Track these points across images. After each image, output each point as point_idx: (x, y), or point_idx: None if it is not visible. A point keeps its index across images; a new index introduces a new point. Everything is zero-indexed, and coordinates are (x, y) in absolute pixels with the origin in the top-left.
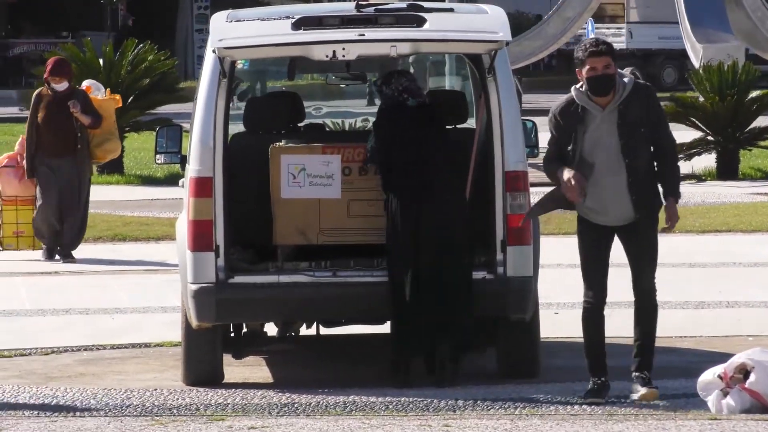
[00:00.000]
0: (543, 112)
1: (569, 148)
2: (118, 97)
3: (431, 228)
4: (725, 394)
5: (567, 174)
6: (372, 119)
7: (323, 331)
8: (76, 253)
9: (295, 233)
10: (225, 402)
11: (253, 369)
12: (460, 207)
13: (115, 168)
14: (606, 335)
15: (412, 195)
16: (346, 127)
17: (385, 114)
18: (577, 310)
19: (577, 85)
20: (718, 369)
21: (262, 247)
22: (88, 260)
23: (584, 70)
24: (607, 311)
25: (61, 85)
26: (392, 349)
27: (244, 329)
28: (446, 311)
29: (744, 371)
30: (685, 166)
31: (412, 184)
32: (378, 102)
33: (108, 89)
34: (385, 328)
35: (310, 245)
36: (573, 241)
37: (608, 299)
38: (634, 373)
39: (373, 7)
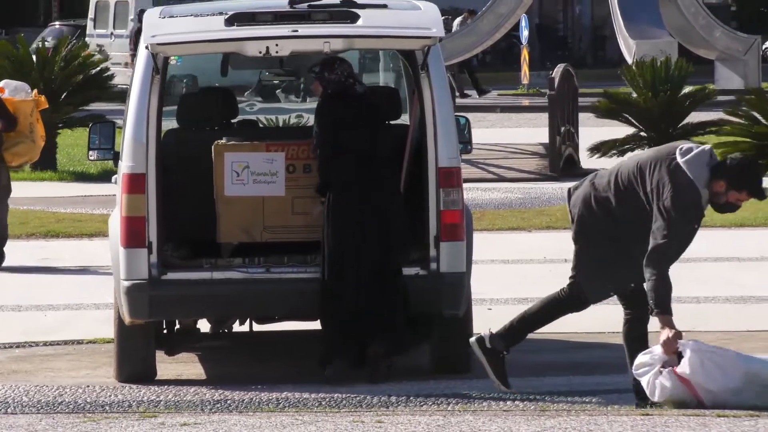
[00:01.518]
0: (476, 108)
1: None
2: (42, 98)
3: (374, 220)
4: (659, 374)
5: (673, 335)
6: (306, 116)
7: (256, 327)
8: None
9: (239, 231)
10: (157, 399)
11: (186, 366)
12: (399, 200)
13: (48, 164)
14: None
15: (356, 185)
16: (280, 124)
17: (332, 99)
18: (510, 306)
19: (701, 182)
20: (655, 349)
21: (197, 243)
22: (21, 257)
23: (731, 194)
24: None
25: None
26: (322, 345)
27: (177, 326)
28: (383, 309)
29: (678, 354)
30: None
31: (359, 173)
32: (311, 99)
33: (35, 90)
34: (319, 324)
35: (254, 242)
36: (505, 237)
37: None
38: None
39: (307, 4)
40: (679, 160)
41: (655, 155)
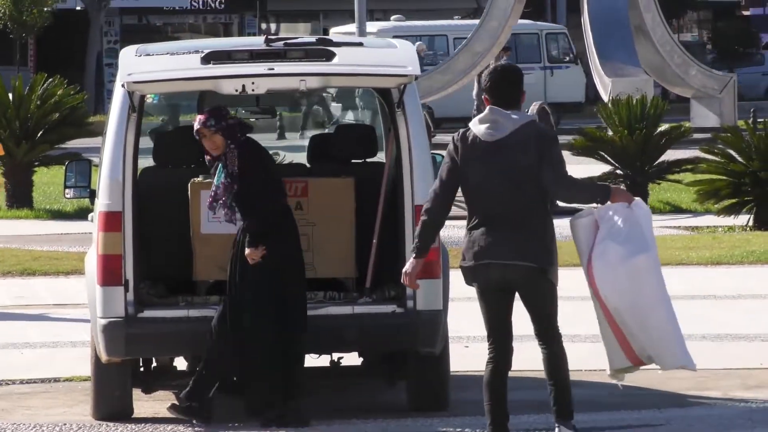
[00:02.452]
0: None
1: None
2: None
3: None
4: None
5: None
6: (282, 153)
7: None
8: None
9: (215, 269)
10: None
11: (163, 404)
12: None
13: (24, 202)
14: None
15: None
16: None
17: (234, 153)
18: (487, 343)
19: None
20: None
21: (173, 280)
22: None
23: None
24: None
25: None
26: (258, 389)
27: (154, 364)
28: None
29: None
30: None
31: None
32: (288, 135)
33: None
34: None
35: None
36: None
37: (519, 332)
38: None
39: (283, 42)
40: (514, 127)
41: (496, 156)
